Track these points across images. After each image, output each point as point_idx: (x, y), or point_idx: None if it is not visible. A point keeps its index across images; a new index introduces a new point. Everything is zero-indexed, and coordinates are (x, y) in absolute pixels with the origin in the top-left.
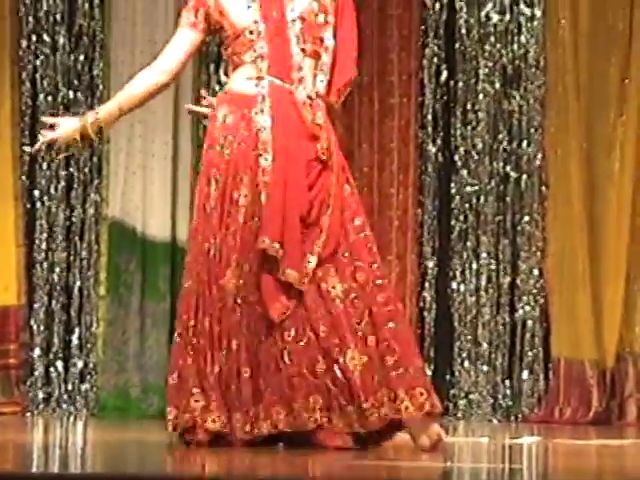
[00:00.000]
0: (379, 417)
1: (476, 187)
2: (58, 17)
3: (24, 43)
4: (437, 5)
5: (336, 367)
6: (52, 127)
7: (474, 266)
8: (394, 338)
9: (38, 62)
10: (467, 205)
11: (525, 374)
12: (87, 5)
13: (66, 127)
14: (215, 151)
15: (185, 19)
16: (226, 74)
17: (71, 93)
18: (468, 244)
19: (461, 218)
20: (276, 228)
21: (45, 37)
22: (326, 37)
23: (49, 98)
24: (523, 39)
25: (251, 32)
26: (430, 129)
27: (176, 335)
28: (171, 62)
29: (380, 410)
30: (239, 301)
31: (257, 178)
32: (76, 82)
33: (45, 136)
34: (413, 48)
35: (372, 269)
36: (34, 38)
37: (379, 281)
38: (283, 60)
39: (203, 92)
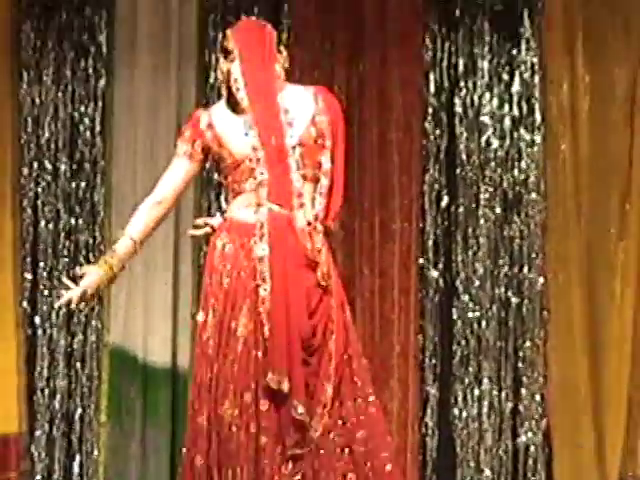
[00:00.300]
0: None
1: (477, 312)
2: (60, 144)
3: (25, 170)
4: (437, 131)
5: None
6: (74, 279)
7: (476, 392)
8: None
9: (39, 189)
10: (468, 330)
11: None
12: (88, 133)
13: (92, 276)
14: (214, 280)
15: (181, 149)
16: (226, 200)
17: (72, 220)
18: (470, 369)
19: (463, 343)
20: (282, 363)
21: (47, 164)
22: (324, 160)
23: (50, 225)
24: (523, 164)
25: (250, 160)
26: (431, 254)
27: (182, 467)
28: (169, 193)
29: None
30: (234, 429)
31: (257, 308)
32: (77, 209)
33: (74, 289)
34: (414, 173)
35: (366, 406)
36: (35, 165)
37: (362, 416)
38: (283, 187)
39: (199, 221)
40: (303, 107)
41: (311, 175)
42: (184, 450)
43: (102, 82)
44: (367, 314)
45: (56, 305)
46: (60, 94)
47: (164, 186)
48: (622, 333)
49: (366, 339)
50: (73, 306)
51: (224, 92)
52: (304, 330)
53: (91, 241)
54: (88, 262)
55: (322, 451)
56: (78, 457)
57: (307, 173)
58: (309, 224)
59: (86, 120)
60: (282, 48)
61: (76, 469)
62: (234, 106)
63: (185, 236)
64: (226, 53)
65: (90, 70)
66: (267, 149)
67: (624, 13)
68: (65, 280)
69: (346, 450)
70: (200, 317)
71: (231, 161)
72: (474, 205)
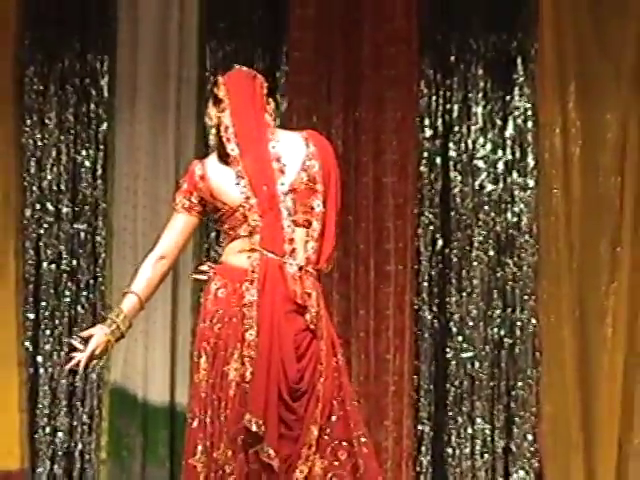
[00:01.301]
0: None
1: (471, 353)
2: (62, 187)
3: (28, 212)
4: (432, 174)
5: None
6: (85, 341)
7: (469, 430)
8: None
9: (42, 230)
10: (462, 370)
11: None
12: (90, 176)
13: (99, 337)
14: (206, 325)
15: (180, 204)
16: (221, 245)
17: (74, 261)
18: (463, 409)
19: (456, 383)
20: (260, 406)
21: (49, 206)
22: (315, 205)
23: (52, 266)
24: (516, 208)
25: (243, 207)
26: (425, 296)
27: None
28: (171, 248)
29: None
30: (227, 470)
31: (244, 352)
32: (79, 250)
33: (83, 350)
34: (409, 216)
35: (358, 446)
36: (38, 207)
37: (356, 457)
38: (275, 233)
39: (204, 267)
40: (294, 153)
41: (303, 220)
42: None
43: (104, 126)
44: (362, 354)
45: (66, 368)
46: (62, 137)
47: (165, 241)
48: (613, 374)
49: (361, 379)
50: (81, 369)
51: (212, 138)
52: (291, 374)
53: (92, 282)
54: (89, 302)
55: None
56: None
57: (299, 218)
58: (301, 269)
59: (87, 163)
60: (271, 100)
61: None
62: (224, 157)
63: (184, 277)
64: (216, 100)
65: (92, 114)
66: (259, 197)
67: (615, 61)
68: (74, 342)
69: None
70: (195, 359)
71: (225, 209)
72: (468, 248)
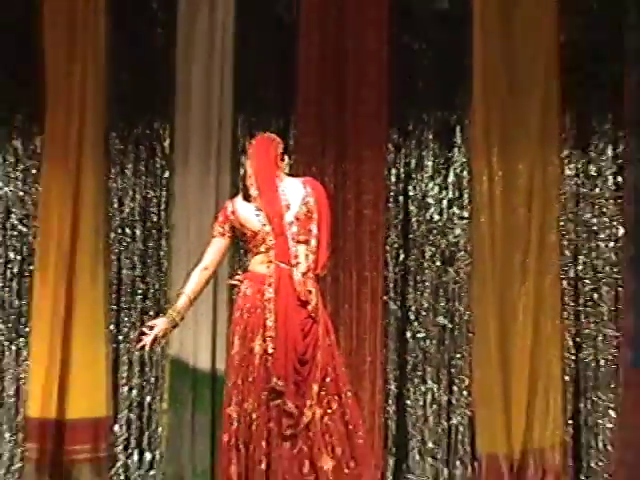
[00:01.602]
0: None
1: (424, 334)
2: (136, 216)
3: (112, 235)
4: (396, 208)
5: (316, 468)
6: (151, 328)
7: (422, 389)
8: (354, 451)
9: (122, 248)
10: (417, 346)
11: (458, 464)
12: (156, 209)
13: (163, 326)
14: (238, 314)
15: (217, 230)
16: (247, 258)
17: (144, 270)
18: (418, 373)
19: (413, 355)
20: (281, 371)
21: (127, 230)
22: (312, 228)
23: (129, 272)
24: (456, 232)
25: (262, 232)
26: (392, 294)
27: (224, 441)
28: (211, 262)
29: None
30: (254, 417)
31: (266, 333)
32: (148, 262)
33: (149, 335)
34: (380, 238)
35: (344, 399)
36: (119, 231)
37: (343, 406)
38: (284, 250)
39: (239, 277)
40: (297, 193)
41: (304, 239)
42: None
43: (166, 174)
44: (347, 336)
45: (137, 346)
46: (136, 182)
47: (208, 257)
48: (523, 350)
49: (346, 353)
50: (147, 347)
51: (244, 183)
52: (299, 348)
53: (157, 284)
54: (154, 299)
55: (312, 434)
56: (147, 433)
57: (300, 238)
58: (303, 275)
59: (154, 200)
60: (286, 158)
61: (145, 441)
62: (248, 197)
63: (221, 281)
64: (248, 158)
65: (157, 166)
66: (272, 225)
67: (524, 128)
68: (144, 329)
69: (333, 430)
70: (230, 338)
71: (250, 234)
72: (421, 260)
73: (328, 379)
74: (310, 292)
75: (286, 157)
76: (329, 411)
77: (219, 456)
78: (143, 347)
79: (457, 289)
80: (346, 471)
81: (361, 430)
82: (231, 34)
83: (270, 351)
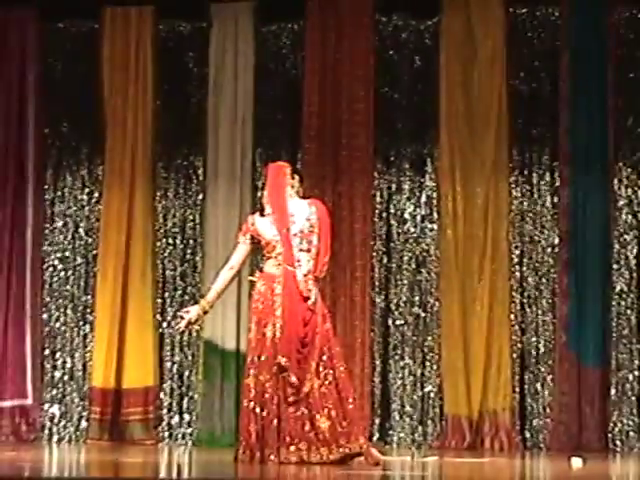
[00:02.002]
0: (343, 453)
1: (402, 321)
2: (177, 230)
3: (158, 244)
4: (381, 223)
5: (315, 427)
6: (186, 313)
7: (400, 364)
8: (345, 413)
9: (166, 254)
10: (398, 331)
11: (429, 423)
12: (191, 224)
13: (195, 312)
14: (254, 306)
15: (241, 239)
16: (262, 261)
17: (184, 270)
18: (397, 351)
19: (394, 337)
20: (286, 352)
21: (169, 240)
22: (314, 239)
23: (171, 272)
24: (427, 241)
25: (273, 241)
26: (377, 289)
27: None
28: (236, 263)
29: (344, 448)
30: (267, 386)
31: (275, 321)
32: (186, 264)
33: (184, 319)
34: (368, 246)
35: (338, 372)
36: (163, 241)
37: (338, 379)
38: (290, 257)
39: (257, 275)
40: (302, 212)
41: (306, 248)
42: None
43: (200, 196)
44: (342, 322)
45: (175, 328)
46: (177, 203)
47: (233, 259)
48: (480, 331)
49: (341, 335)
50: (182, 329)
51: (261, 202)
52: (300, 333)
53: (193, 281)
54: (191, 292)
55: (311, 400)
56: (186, 399)
57: (303, 247)
58: (305, 276)
59: (190, 216)
60: (296, 176)
61: (184, 405)
62: (263, 213)
63: (244, 279)
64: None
65: (193, 189)
66: (281, 237)
67: (481, 157)
68: (181, 314)
69: (329, 397)
70: (249, 324)
71: (264, 242)
72: (400, 263)
73: (324, 357)
74: (310, 290)
75: (296, 175)
76: (325, 382)
77: (241, 417)
78: (179, 328)
79: (428, 286)
80: (339, 429)
81: (351, 397)
82: (251, 88)
83: (278, 335)
